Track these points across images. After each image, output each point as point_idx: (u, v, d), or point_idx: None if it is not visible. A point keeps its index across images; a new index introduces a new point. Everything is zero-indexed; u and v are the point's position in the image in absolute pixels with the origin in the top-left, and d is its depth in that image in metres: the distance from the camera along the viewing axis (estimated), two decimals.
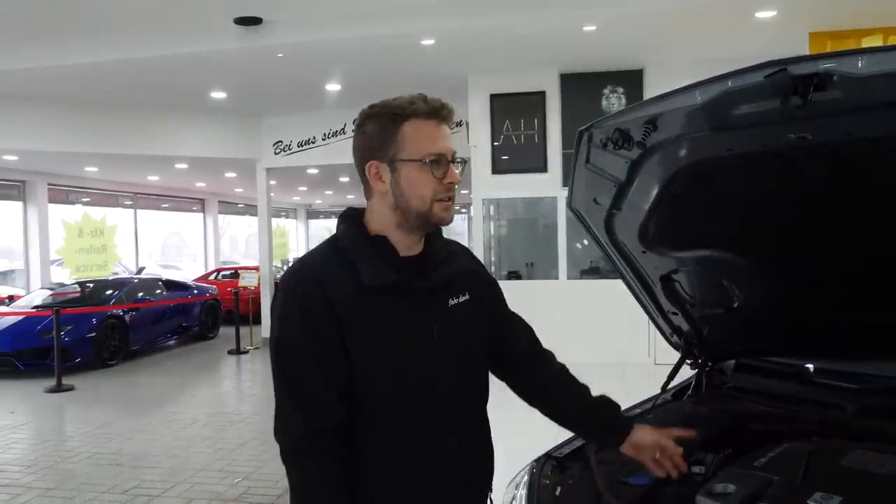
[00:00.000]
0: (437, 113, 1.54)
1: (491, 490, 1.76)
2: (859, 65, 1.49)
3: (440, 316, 1.59)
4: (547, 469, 2.14)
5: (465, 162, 1.64)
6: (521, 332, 1.86)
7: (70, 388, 8.84)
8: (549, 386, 1.84)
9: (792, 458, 1.97)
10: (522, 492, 2.06)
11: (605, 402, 1.85)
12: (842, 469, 1.89)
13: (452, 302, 1.63)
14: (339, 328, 1.49)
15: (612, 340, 8.74)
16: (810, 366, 2.50)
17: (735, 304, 2.49)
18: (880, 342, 2.21)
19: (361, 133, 1.58)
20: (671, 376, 2.72)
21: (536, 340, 1.87)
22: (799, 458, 1.95)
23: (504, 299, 1.86)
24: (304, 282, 1.52)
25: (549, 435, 2.28)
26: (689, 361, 2.75)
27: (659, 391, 2.71)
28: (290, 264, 1.64)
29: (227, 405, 8.37)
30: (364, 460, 1.55)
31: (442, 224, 1.60)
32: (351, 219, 1.62)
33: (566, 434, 2.43)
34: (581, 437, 2.01)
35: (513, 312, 1.88)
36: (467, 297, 1.66)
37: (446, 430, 1.59)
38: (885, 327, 2.15)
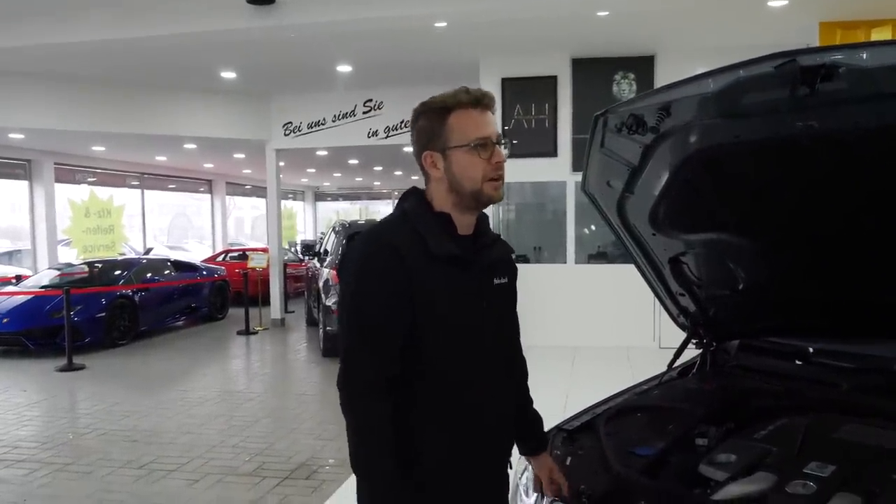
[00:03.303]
0: (479, 101, 1.72)
1: (510, 455, 1.92)
2: (864, 57, 1.57)
3: (488, 290, 1.82)
4: (558, 440, 2.25)
5: (511, 142, 1.80)
6: (517, 328, 2.06)
7: (81, 367, 8.94)
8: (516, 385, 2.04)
9: (790, 430, 2.07)
10: None
11: (540, 420, 2.08)
12: (836, 441, 1.99)
13: (497, 281, 1.86)
14: (410, 287, 1.67)
15: (617, 324, 8.83)
16: (809, 346, 2.59)
17: (740, 286, 2.58)
18: (876, 323, 2.29)
19: (415, 128, 1.77)
20: (677, 355, 2.81)
21: (519, 340, 2.09)
22: (796, 431, 2.05)
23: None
24: (382, 246, 1.70)
25: (559, 409, 2.38)
26: (694, 341, 2.85)
27: (665, 370, 2.80)
28: (365, 230, 1.83)
29: (238, 384, 8.47)
30: (415, 401, 1.73)
31: (493, 201, 1.77)
32: (417, 196, 1.81)
33: (576, 408, 2.54)
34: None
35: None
36: (506, 280, 1.90)
37: (483, 381, 1.79)
38: (882, 308, 2.24)
